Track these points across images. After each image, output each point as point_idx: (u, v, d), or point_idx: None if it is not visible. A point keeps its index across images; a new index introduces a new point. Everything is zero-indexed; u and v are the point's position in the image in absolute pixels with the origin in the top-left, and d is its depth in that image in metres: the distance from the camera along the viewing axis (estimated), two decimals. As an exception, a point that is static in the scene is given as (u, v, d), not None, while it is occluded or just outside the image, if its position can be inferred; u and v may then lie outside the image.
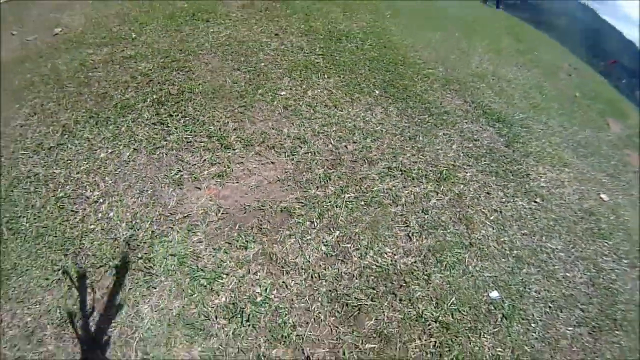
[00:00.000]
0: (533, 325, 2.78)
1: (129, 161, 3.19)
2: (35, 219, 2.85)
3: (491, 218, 3.36)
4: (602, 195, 4.45)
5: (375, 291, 2.61)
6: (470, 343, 2.52)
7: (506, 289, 2.90)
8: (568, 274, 3.23)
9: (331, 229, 2.86)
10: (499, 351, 2.55)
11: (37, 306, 2.43)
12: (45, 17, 5.22)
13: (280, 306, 2.42)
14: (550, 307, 2.94)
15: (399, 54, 5.06)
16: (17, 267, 2.61)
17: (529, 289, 2.97)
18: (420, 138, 3.85)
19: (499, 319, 2.71)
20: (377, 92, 4.26)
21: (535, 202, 3.76)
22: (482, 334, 2.59)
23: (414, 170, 3.47)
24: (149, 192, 3.01)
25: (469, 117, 4.44)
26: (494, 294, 2.89)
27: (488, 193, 3.58)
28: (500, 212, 3.46)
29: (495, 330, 2.64)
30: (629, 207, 4.41)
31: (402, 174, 3.38)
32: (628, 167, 5.44)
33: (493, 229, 3.28)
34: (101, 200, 2.94)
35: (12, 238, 2.77)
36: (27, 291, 2.50)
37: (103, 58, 4.29)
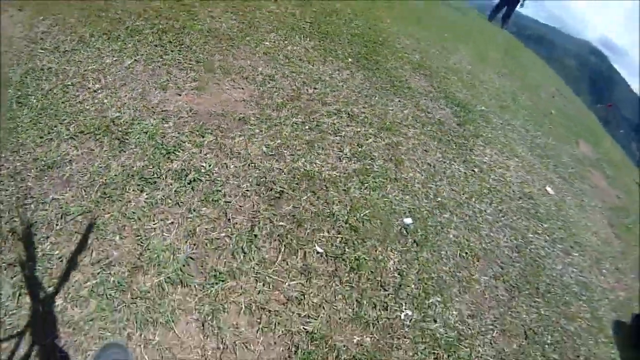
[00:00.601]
0: (445, 260, 3.28)
1: (128, 68, 3.88)
2: (42, 97, 3.50)
3: (422, 167, 3.97)
4: (548, 188, 4.85)
5: (297, 186, 3.24)
6: (376, 251, 3.07)
7: (422, 222, 3.43)
8: (492, 234, 3.74)
9: (274, 138, 3.53)
10: (404, 268, 3.06)
11: (27, 156, 3.04)
12: None
13: (218, 179, 3.06)
14: (466, 253, 3.44)
15: (381, 36, 5.77)
16: (17, 127, 3.23)
17: (447, 231, 3.50)
18: (376, 98, 4.51)
19: (410, 243, 3.25)
20: (349, 60, 4.96)
21: (473, 170, 4.31)
22: (389, 248, 3.14)
23: (361, 116, 4.13)
24: (139, 90, 3.69)
25: (429, 97, 5.08)
26: (408, 220, 3.39)
27: (425, 150, 4.20)
28: (434, 166, 4.05)
29: (403, 249, 3.18)
30: (575, 208, 4.86)
31: (348, 116, 4.05)
32: (586, 180, 5.86)
33: (422, 175, 3.87)
34: (99, 91, 3.62)
35: (19, 109, 3.40)
36: (22, 144, 3.11)
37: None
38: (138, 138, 3.26)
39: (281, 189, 3.18)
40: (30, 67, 3.80)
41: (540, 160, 5.35)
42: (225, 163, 3.22)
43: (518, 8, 12.69)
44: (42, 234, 2.54)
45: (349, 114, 4.09)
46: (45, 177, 2.92)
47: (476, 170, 4.33)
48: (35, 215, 2.63)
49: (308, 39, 4.97)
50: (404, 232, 3.31)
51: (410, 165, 3.93)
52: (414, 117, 4.54)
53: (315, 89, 4.25)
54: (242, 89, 4.00)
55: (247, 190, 3.11)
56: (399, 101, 4.67)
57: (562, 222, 4.40)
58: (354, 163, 3.62)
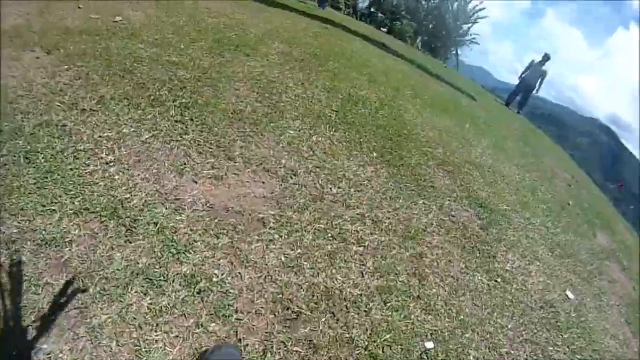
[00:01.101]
0: (463, 385, 2.91)
1: (145, 142, 3.64)
2: (51, 157, 3.22)
3: (446, 281, 3.67)
4: (568, 293, 4.62)
5: (316, 306, 2.91)
6: (396, 379, 2.69)
7: (444, 344, 3.13)
8: (513, 351, 3.44)
9: (294, 247, 3.24)
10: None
11: (26, 224, 2.73)
12: (109, 4, 5.96)
13: (230, 291, 2.74)
14: (489, 375, 3.09)
15: (406, 128, 5.62)
16: (21, 187, 2.93)
17: (467, 352, 3.19)
18: (401, 201, 4.27)
19: (430, 369, 2.89)
20: (374, 154, 4.75)
21: (496, 281, 4.04)
22: (409, 374, 2.77)
23: (385, 223, 3.87)
24: (154, 171, 3.43)
25: (452, 196, 4.86)
26: (430, 344, 3.09)
27: (449, 261, 3.91)
28: (457, 279, 3.77)
29: (422, 378, 2.80)
30: (594, 310, 4.65)
31: (373, 223, 3.78)
32: (604, 275, 5.67)
33: (445, 290, 3.57)
34: (112, 164, 3.35)
35: (26, 166, 3.11)
36: (23, 209, 2.81)
37: (150, 55, 4.90)
38: (147, 229, 2.94)
39: (299, 308, 2.85)
40: (44, 120, 3.56)
41: (560, 261, 5.14)
42: (239, 273, 2.91)
43: (533, 94, 13.83)
44: (29, 320, 2.21)
45: (373, 219, 3.83)
46: (42, 254, 2.59)
47: (499, 280, 4.07)
48: (25, 297, 2.32)
49: (334, 130, 4.78)
50: (425, 357, 2.98)
51: (434, 279, 3.63)
52: (438, 223, 4.30)
53: (339, 188, 4.01)
54: (263, 183, 3.76)
55: (262, 308, 2.78)
56: (423, 203, 4.45)
57: (581, 330, 4.15)
58: (377, 279, 3.33)
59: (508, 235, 4.84)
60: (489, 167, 6.26)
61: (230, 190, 3.54)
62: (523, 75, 13.84)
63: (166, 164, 3.53)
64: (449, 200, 4.77)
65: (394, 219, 4.00)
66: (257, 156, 3.98)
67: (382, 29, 18.96)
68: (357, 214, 3.83)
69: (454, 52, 27.03)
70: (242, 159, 3.87)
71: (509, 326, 3.63)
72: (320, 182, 3.99)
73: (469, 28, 26.24)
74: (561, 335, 3.93)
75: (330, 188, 3.98)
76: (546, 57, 13.42)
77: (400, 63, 10.02)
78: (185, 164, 3.60)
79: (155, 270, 2.72)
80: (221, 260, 2.94)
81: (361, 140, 4.89)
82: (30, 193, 2.92)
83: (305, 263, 3.16)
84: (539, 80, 13.50)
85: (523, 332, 3.67)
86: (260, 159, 3.95)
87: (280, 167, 3.96)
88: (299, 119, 4.71)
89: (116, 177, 3.28)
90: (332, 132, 4.77)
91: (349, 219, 3.72)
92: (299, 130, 4.54)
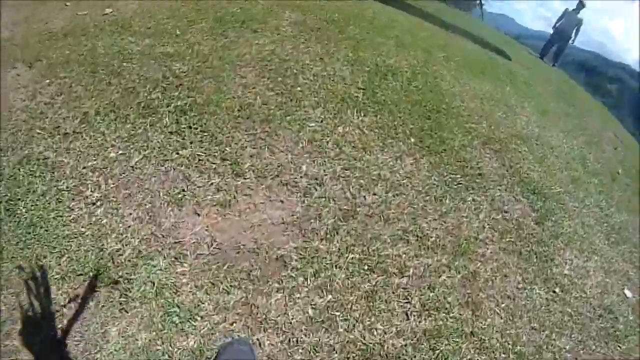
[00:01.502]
0: None
1: (136, 168, 3.09)
2: (32, 206, 2.77)
3: (502, 305, 3.08)
4: (626, 291, 4.11)
5: (354, 371, 2.32)
6: None
7: None
8: None
9: (324, 291, 2.65)
10: None
11: (10, 298, 2.33)
12: None
13: (249, 366, 2.13)
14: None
15: (444, 101, 4.78)
16: (2, 251, 2.53)
17: None
18: (447, 201, 3.58)
19: None
20: (412, 140, 4.00)
21: (554, 292, 3.44)
22: None
23: (432, 237, 3.22)
24: (147, 206, 2.89)
25: (503, 184, 4.14)
26: None
27: (505, 276, 3.29)
28: (514, 299, 3.17)
29: None
30: None
31: (417, 240, 3.13)
32: None
33: (501, 318, 2.99)
34: (98, 204, 2.85)
35: (7, 219, 2.70)
36: (7, 280, 2.41)
37: (142, 49, 4.23)
38: (144, 291, 2.44)
39: (333, 379, 2.22)
40: (25, 155, 3.08)
41: (617, 250, 4.51)
42: (258, 339, 2.37)
43: (570, 44, 12.58)
44: None
45: (417, 235, 3.19)
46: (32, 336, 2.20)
47: (557, 290, 3.46)
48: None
49: (362, 114, 4.01)
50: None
51: (489, 305, 3.02)
52: (491, 224, 3.61)
53: (374, 194, 3.35)
54: (282, 202, 3.13)
55: (288, 384, 2.17)
56: (473, 200, 3.74)
57: (637, 336, 3.61)
58: (424, 320, 2.74)
59: (564, 227, 4.16)
60: (537, 138, 5.39)
61: (242, 218, 2.96)
62: (557, 25, 12.51)
63: (161, 194, 2.98)
64: (499, 189, 4.04)
65: (442, 230, 3.33)
66: (273, 165, 3.33)
67: None
68: (399, 230, 3.18)
69: (478, 2, 25.21)
70: (254, 173, 3.24)
71: (567, 347, 3.10)
72: (351, 189, 3.32)
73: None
74: (619, 347, 3.40)
75: (365, 197, 3.31)
76: (581, 5, 12.00)
77: (425, 18, 8.92)
78: (184, 190, 3.02)
79: (158, 347, 2.25)
80: (235, 325, 2.42)
81: (395, 123, 4.12)
82: (12, 257, 2.51)
83: (338, 313, 2.59)
84: (575, 29, 12.20)
85: (581, 352, 3.16)
86: (276, 169, 3.30)
87: (301, 177, 3.31)
88: (320, 106, 3.97)
89: (104, 220, 2.77)
90: (360, 118, 4.02)
91: (389, 240, 3.08)
92: (322, 122, 3.82)
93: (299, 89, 4.10)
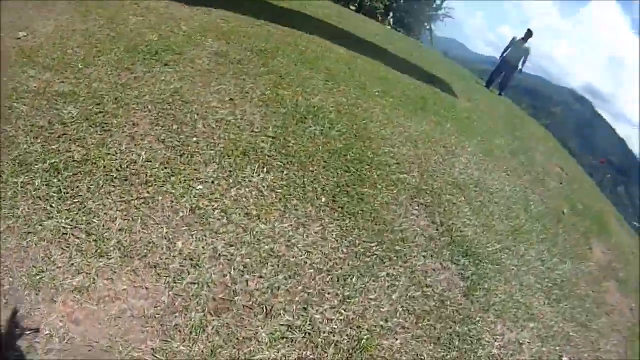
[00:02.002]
0: None
1: None
2: None
3: None
4: (564, 359, 3.76)
5: None
6: None
7: None
8: None
9: None
10: None
11: None
12: (23, 14, 4.66)
13: None
14: None
15: (370, 148, 4.27)
16: None
17: None
18: (354, 280, 3.03)
19: None
20: (322, 199, 3.45)
21: None
22: None
23: (324, 332, 2.68)
24: (6, 287, 2.34)
25: (430, 249, 3.63)
26: None
27: (415, 371, 2.73)
28: None
29: None
30: None
31: (304, 336, 2.58)
32: (602, 307, 4.86)
33: None
34: None
35: None
36: None
37: (38, 87, 3.64)
38: None
39: None
40: None
41: (557, 309, 4.15)
42: None
43: (517, 74, 12.32)
44: None
45: (305, 330, 2.64)
46: None
47: None
48: None
49: (265, 170, 3.42)
50: None
51: None
52: (406, 307, 3.07)
53: (260, 277, 2.78)
54: (146, 289, 2.56)
55: None
56: (387, 276, 3.20)
57: None
58: None
59: (499, 294, 3.72)
60: (476, 184, 4.93)
61: (100, 308, 2.39)
62: (504, 54, 12.11)
63: (19, 275, 2.41)
64: (424, 257, 3.53)
65: (339, 320, 2.80)
66: (143, 242, 2.75)
67: (350, 6, 17.24)
68: (282, 325, 2.62)
69: (427, 27, 25.23)
70: (120, 252, 2.66)
71: None
72: (232, 272, 2.75)
73: (442, 1, 24.43)
74: None
75: (247, 282, 2.72)
76: (529, 34, 11.63)
77: (367, 47, 8.38)
78: (42, 271, 2.45)
79: None
80: None
81: (305, 180, 3.56)
82: None
83: None
84: (522, 58, 11.82)
85: None
86: (145, 247, 2.72)
87: (174, 257, 2.74)
88: (214, 162, 3.39)
89: None
90: (262, 175, 3.45)
91: (267, 339, 2.54)
92: (211, 183, 3.23)
93: (194, 139, 3.52)
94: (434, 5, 24.49)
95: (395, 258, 3.32)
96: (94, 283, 2.47)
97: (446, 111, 6.47)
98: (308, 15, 8.18)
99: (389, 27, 18.47)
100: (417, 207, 3.92)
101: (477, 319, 3.32)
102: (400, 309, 3.02)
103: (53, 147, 3.16)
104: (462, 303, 3.36)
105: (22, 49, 4.07)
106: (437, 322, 3.09)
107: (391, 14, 21.85)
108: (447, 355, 2.92)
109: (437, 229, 3.84)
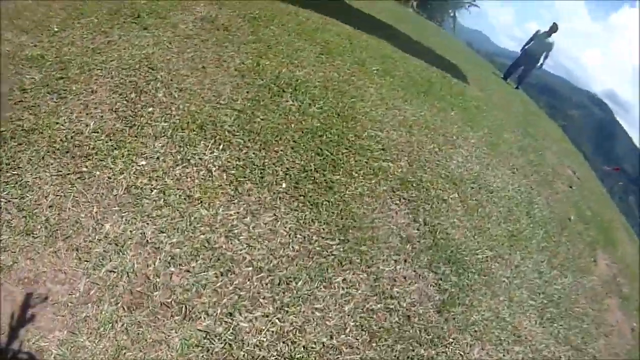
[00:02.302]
0: None
1: None
2: None
3: None
4: None
5: None
6: None
7: None
8: None
9: None
10: None
11: None
12: None
13: None
14: None
15: (353, 130, 3.83)
16: None
17: None
18: (299, 284, 2.65)
19: None
20: (283, 185, 3.06)
21: None
22: None
23: (248, 345, 2.32)
24: None
25: (404, 252, 3.18)
26: None
27: None
28: None
29: None
30: None
31: (222, 348, 2.25)
32: (601, 328, 4.42)
33: None
34: None
35: None
36: None
37: (12, 49, 3.36)
38: None
39: None
40: None
41: (549, 330, 3.69)
42: None
43: (537, 69, 11.55)
44: None
45: (228, 341, 2.29)
46: None
47: None
48: None
49: (221, 147, 3.05)
50: None
51: None
52: (359, 322, 2.63)
53: (187, 271, 2.48)
54: (64, 273, 2.28)
55: None
56: (344, 280, 2.77)
57: None
58: None
59: (481, 311, 3.25)
60: (474, 180, 4.40)
61: (18, 291, 2.16)
62: (526, 47, 11.33)
63: None
64: (395, 261, 3.07)
65: (269, 335, 2.42)
66: (70, 221, 2.47)
67: None
68: (201, 332, 2.28)
69: (452, 14, 24.86)
70: (46, 230, 2.40)
71: None
72: (157, 263, 2.40)
73: (468, -11, 23.51)
74: None
75: (171, 275, 2.33)
76: (554, 28, 10.80)
77: (378, 24, 7.75)
78: None
79: None
80: None
81: (266, 161, 3.16)
82: None
83: None
84: (544, 53, 11.01)
85: None
86: (72, 227, 2.44)
87: (99, 240, 2.45)
88: (165, 135, 3.04)
89: None
90: (216, 154, 3.08)
91: (179, 347, 2.19)
92: (157, 159, 2.88)
93: (150, 109, 3.15)
94: (460, -8, 23.65)
95: (357, 261, 2.90)
96: (16, 263, 2.25)
97: (453, 98, 5.91)
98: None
99: (411, 10, 17.78)
100: (398, 202, 3.48)
101: (450, 340, 2.90)
102: (352, 324, 2.61)
103: (6, 114, 2.89)
104: (434, 320, 2.94)
105: (6, 11, 3.79)
106: (396, 342, 2.67)
107: (415, -4, 21.26)
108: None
109: (418, 229, 3.39)
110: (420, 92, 5.26)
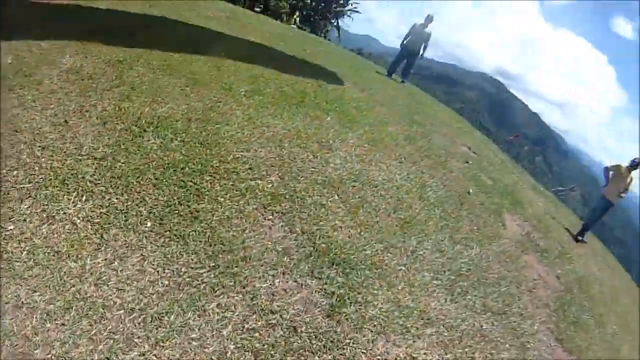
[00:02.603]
0: None
1: None
2: None
3: None
4: None
5: None
6: None
7: None
8: None
9: None
10: None
11: None
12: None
13: None
14: None
15: (218, 155, 4.10)
16: None
17: None
18: (172, 318, 2.81)
19: None
20: (148, 224, 3.29)
21: None
22: None
23: None
24: None
25: (281, 265, 3.40)
26: None
27: None
28: None
29: None
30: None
31: None
32: (523, 286, 4.76)
33: None
34: None
35: None
36: None
37: None
38: None
39: None
40: None
41: (460, 308, 3.90)
42: None
43: (418, 60, 12.38)
44: None
45: None
46: None
47: None
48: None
49: (84, 198, 3.37)
50: None
51: None
52: (240, 343, 2.79)
53: (63, 325, 2.60)
54: None
55: None
56: (219, 306, 2.96)
57: None
58: None
59: (377, 305, 3.44)
60: (355, 178, 4.72)
61: None
62: (405, 42, 12.26)
63: None
64: (273, 275, 3.30)
65: None
66: None
67: (256, 8, 17.44)
68: None
69: (335, 24, 26.38)
70: None
71: None
72: (34, 321, 2.55)
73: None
74: None
75: (48, 331, 2.54)
76: (429, 19, 11.86)
77: (251, 47, 8.09)
78: None
79: None
80: None
81: (129, 204, 3.38)
82: None
83: None
84: (423, 44, 12.02)
85: None
86: None
87: None
88: (31, 196, 3.19)
89: None
90: (80, 205, 3.26)
91: None
92: (25, 220, 3.04)
93: (15, 173, 3.32)
94: (341, 2, 25.40)
95: (231, 284, 3.10)
96: None
97: (329, 104, 6.23)
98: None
99: (294, 26, 18.59)
100: (270, 217, 3.75)
101: (347, 341, 3.07)
102: (232, 347, 2.75)
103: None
104: (324, 326, 3.12)
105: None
106: (285, 356, 2.84)
107: (297, 13, 22.12)
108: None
109: (295, 239, 3.64)
110: (292, 104, 5.57)
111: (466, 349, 3.53)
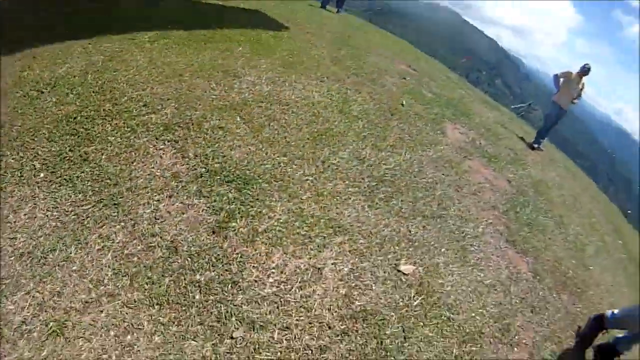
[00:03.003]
0: None
1: None
2: None
3: None
4: (402, 267, 3.44)
5: None
6: None
7: None
8: None
9: None
10: None
11: None
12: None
13: None
14: None
15: (111, 99, 4.27)
16: None
17: None
18: (56, 255, 3.02)
19: None
20: (42, 175, 3.57)
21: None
22: None
23: (15, 324, 2.65)
24: None
25: (168, 189, 3.56)
26: None
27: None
28: None
29: None
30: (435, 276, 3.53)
31: None
32: (465, 189, 4.71)
33: None
34: None
35: None
36: None
37: None
38: None
39: None
40: None
41: (387, 208, 3.93)
42: None
43: None
44: None
45: None
46: None
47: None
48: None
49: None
50: None
51: None
52: (118, 269, 2.97)
53: None
54: None
55: None
56: (100, 236, 3.16)
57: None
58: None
59: (275, 216, 3.49)
60: (262, 99, 4.71)
61: None
62: None
63: None
64: (158, 200, 3.46)
65: (31, 308, 2.73)
66: None
67: None
68: None
69: None
70: None
71: None
72: None
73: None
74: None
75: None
76: None
77: None
78: None
79: None
80: None
81: (24, 161, 3.63)
82: None
83: None
84: None
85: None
86: None
87: None
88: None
89: None
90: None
91: None
92: None
93: None
94: None
95: (114, 214, 3.30)
96: None
97: (243, 36, 6.21)
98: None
99: None
100: (162, 147, 3.91)
101: (235, 256, 3.12)
102: (110, 273, 2.94)
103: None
104: (209, 243, 3.20)
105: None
106: (163, 276, 2.95)
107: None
108: (180, 315, 2.77)
109: (187, 164, 3.78)
110: (200, 42, 5.62)
111: (388, 255, 3.50)
